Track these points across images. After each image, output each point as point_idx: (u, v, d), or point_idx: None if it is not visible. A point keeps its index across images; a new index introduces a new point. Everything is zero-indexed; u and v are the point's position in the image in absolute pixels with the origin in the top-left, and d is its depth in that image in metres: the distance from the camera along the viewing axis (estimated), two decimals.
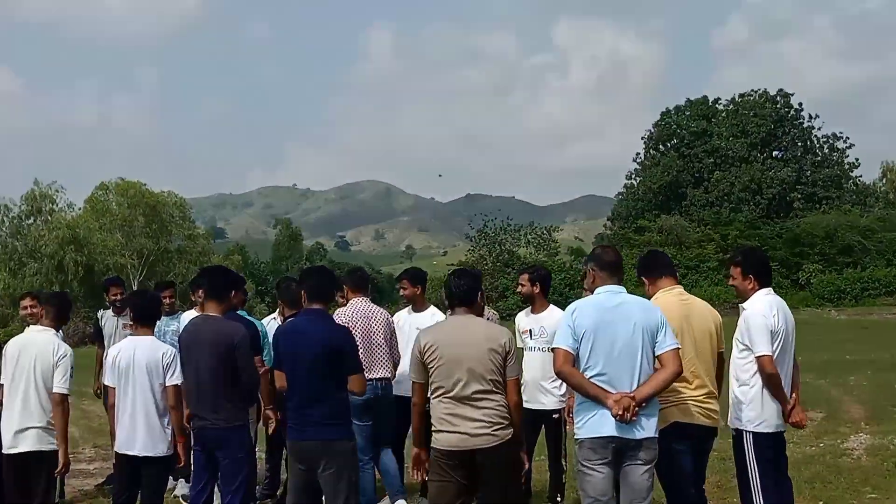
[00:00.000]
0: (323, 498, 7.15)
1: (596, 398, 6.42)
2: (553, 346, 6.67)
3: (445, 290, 7.00)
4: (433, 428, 6.74)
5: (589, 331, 6.50)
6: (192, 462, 7.85)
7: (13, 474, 8.02)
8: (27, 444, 7.94)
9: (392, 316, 9.74)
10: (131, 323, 11.02)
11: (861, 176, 77.31)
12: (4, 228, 68.18)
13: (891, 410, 14.94)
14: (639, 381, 6.43)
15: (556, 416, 8.76)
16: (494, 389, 6.61)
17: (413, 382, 6.95)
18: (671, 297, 7.18)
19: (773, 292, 7.55)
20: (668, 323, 6.61)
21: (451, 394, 6.59)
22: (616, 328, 6.49)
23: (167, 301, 10.55)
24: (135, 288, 57.95)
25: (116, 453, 7.85)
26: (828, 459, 10.87)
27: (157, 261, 68.47)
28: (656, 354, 6.50)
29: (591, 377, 6.46)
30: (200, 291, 8.00)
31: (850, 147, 75.87)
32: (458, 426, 6.59)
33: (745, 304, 7.43)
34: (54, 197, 69.80)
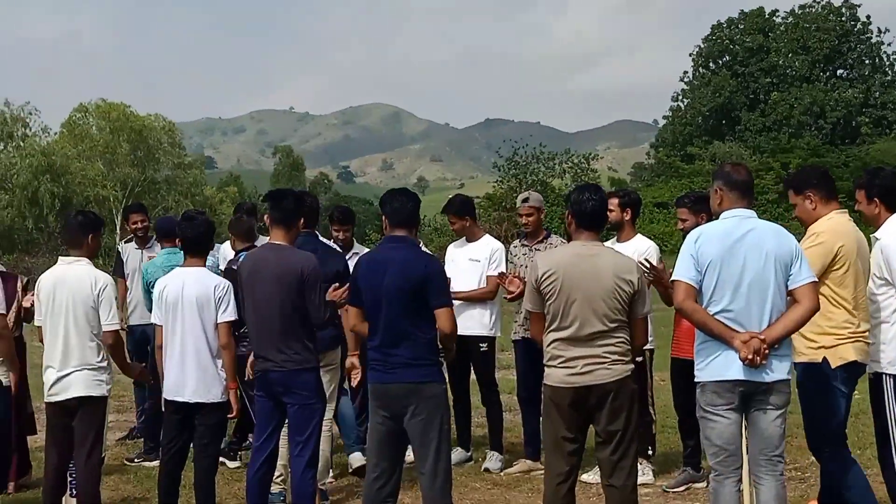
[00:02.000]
0: (409, 448, 7.13)
1: (721, 337, 6.39)
2: (673, 278, 6.64)
3: (571, 207, 6.90)
4: (545, 361, 6.79)
5: (714, 261, 6.44)
6: (252, 411, 7.89)
7: (61, 421, 7.99)
8: (73, 388, 7.87)
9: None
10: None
11: None
12: None
13: None
14: (770, 318, 6.38)
15: (639, 358, 8.72)
16: (617, 327, 6.61)
17: (530, 312, 6.97)
18: (843, 217, 7.18)
19: None
20: (803, 253, 6.57)
21: (567, 333, 6.60)
22: (745, 258, 6.42)
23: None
24: (117, 223, 58.28)
25: (165, 400, 7.92)
26: None
27: (142, 192, 68.40)
28: (790, 288, 6.44)
29: (716, 314, 6.42)
30: (266, 217, 7.95)
31: None
32: (572, 364, 6.61)
33: (877, 234, 7.30)
34: (27, 120, 69.87)
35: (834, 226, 6.96)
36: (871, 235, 7.50)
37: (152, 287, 10.38)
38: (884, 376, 7.14)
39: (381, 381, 7.03)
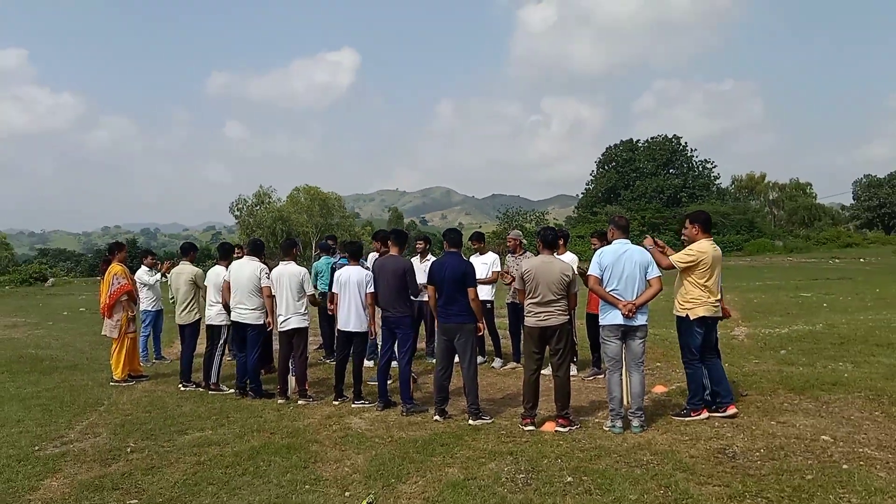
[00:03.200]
0: (456, 356, 7.09)
1: (613, 303, 6.41)
2: (588, 273, 6.63)
3: (539, 237, 6.85)
4: (525, 314, 6.74)
5: (609, 265, 6.48)
6: (381, 334, 7.88)
7: (286, 340, 8.11)
8: (291, 324, 7.99)
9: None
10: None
11: (721, 183, 76.95)
12: (244, 212, 69.13)
13: (755, 314, 14.67)
14: (637, 294, 6.39)
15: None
16: (561, 298, 6.56)
17: (517, 290, 6.98)
18: (709, 243, 6.66)
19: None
20: (653, 261, 6.53)
21: (536, 300, 6.58)
22: (624, 264, 6.45)
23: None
24: (313, 244, 58.63)
25: (338, 330, 7.87)
26: (724, 341, 10.70)
27: (325, 230, 68.39)
28: (647, 279, 6.43)
29: (610, 290, 6.44)
30: (389, 241, 7.94)
31: (714, 167, 75.40)
32: (538, 315, 6.58)
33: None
34: (270, 195, 70.67)
35: (702, 247, 6.57)
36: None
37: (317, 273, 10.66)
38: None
39: (443, 322, 7.03)
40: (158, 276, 11.09)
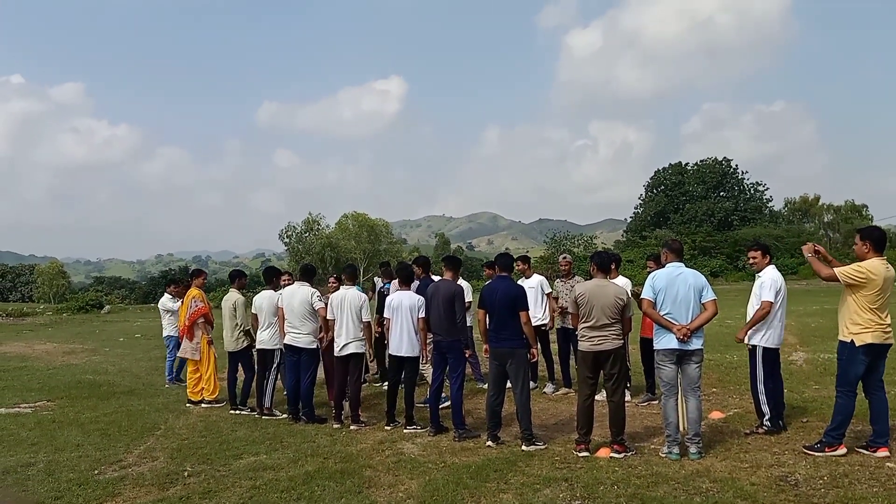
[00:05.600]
0: (508, 381, 7.03)
1: (667, 327, 6.31)
2: (641, 297, 6.54)
3: (594, 261, 6.82)
4: (579, 338, 6.67)
5: (663, 288, 6.39)
6: (431, 359, 7.86)
7: (341, 365, 8.14)
8: (350, 349, 8.02)
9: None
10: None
11: (773, 206, 75.21)
12: (293, 238, 70.12)
13: (813, 339, 14.23)
14: (691, 317, 6.28)
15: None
16: (615, 322, 6.50)
17: (570, 314, 6.92)
18: (881, 263, 6.05)
19: (774, 267, 7.18)
20: (708, 283, 6.44)
21: (590, 324, 6.52)
22: (678, 287, 6.34)
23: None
24: (361, 269, 59.15)
25: (390, 355, 7.90)
26: (783, 366, 10.37)
27: (373, 256, 69.16)
28: (702, 302, 6.32)
29: (664, 314, 6.35)
30: (443, 266, 7.96)
31: (766, 189, 74.12)
32: (592, 340, 6.52)
33: (760, 274, 7.09)
34: (319, 221, 71.52)
35: (873, 266, 5.96)
36: (757, 275, 7.16)
37: None
38: (757, 347, 6.97)
39: (494, 346, 6.98)
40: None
